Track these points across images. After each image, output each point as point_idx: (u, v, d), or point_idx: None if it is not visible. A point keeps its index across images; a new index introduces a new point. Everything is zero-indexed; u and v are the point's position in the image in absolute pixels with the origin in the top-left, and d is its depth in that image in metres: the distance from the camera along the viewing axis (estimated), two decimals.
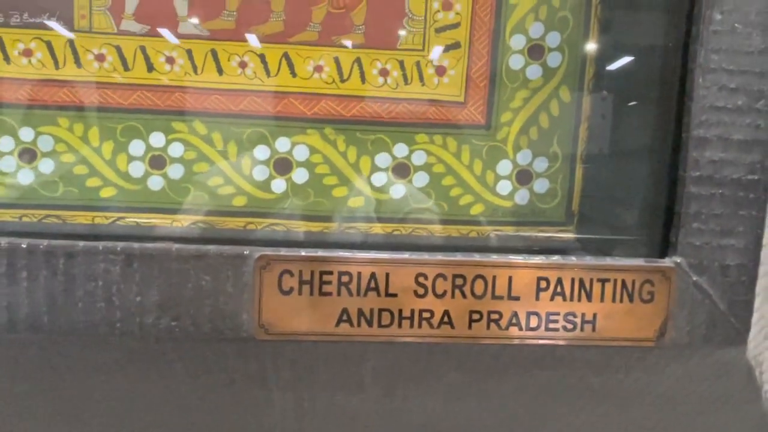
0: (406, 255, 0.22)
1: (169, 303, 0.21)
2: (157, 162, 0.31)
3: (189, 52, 0.30)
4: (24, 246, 0.24)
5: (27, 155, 0.30)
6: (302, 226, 0.32)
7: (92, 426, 0.28)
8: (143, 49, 0.30)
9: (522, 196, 0.33)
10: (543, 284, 0.23)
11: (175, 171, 0.31)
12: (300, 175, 0.32)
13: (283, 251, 0.22)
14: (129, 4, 0.30)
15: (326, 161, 0.32)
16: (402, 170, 0.32)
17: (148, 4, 0.30)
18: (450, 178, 0.32)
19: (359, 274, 0.22)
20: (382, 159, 0.32)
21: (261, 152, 0.31)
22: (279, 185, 0.32)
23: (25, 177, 0.30)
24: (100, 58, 0.30)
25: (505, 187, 0.32)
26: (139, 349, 0.25)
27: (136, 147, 0.31)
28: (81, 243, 0.22)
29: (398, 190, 0.32)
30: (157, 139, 0.30)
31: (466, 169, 0.32)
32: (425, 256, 0.22)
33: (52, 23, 0.29)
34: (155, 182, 0.31)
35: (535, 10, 0.31)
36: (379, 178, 0.32)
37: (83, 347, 0.26)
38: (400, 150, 0.32)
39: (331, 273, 0.22)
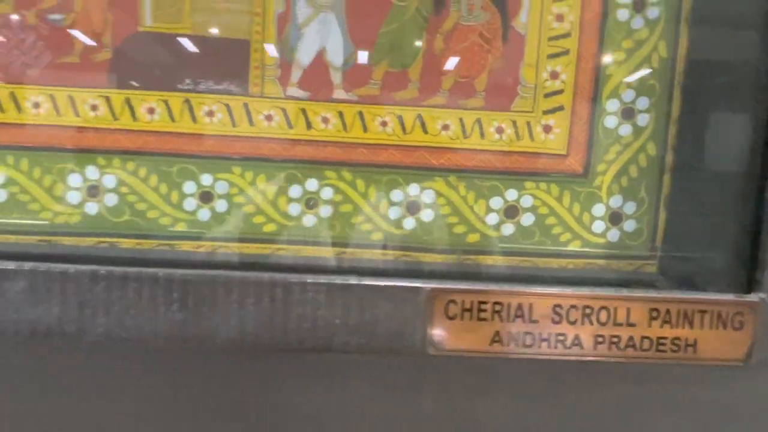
0: (546, 289, 0.28)
1: (361, 325, 0.27)
2: (312, 203, 0.37)
3: (341, 113, 0.36)
4: (254, 278, 0.30)
5: (206, 197, 0.37)
6: (428, 257, 0.37)
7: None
8: (304, 111, 0.36)
9: (613, 235, 0.38)
10: (654, 314, 0.28)
11: (325, 211, 0.37)
12: (427, 215, 0.37)
13: (448, 284, 0.28)
14: (294, 75, 0.36)
15: (449, 203, 0.37)
16: (512, 212, 0.38)
17: (310, 75, 0.36)
18: (552, 218, 0.38)
19: (509, 304, 0.27)
20: (496, 202, 0.37)
21: (396, 196, 0.37)
22: (409, 223, 0.37)
23: (203, 215, 0.37)
24: (269, 118, 0.36)
25: (599, 226, 0.38)
26: (332, 361, 0.31)
27: (295, 191, 0.37)
28: (294, 276, 0.28)
29: (508, 228, 0.38)
30: (312, 184, 0.37)
31: (567, 211, 0.38)
32: (562, 290, 0.28)
33: (232, 89, 0.36)
34: (309, 220, 0.37)
35: (627, 79, 0.37)
36: (493, 218, 0.38)
37: (290, 360, 0.31)
38: (511, 195, 0.38)
39: (486, 303, 0.27)
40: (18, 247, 0.35)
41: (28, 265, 0.27)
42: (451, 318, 0.27)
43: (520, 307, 0.27)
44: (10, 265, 0.27)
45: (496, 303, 0.27)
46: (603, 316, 0.27)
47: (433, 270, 0.36)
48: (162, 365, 0.31)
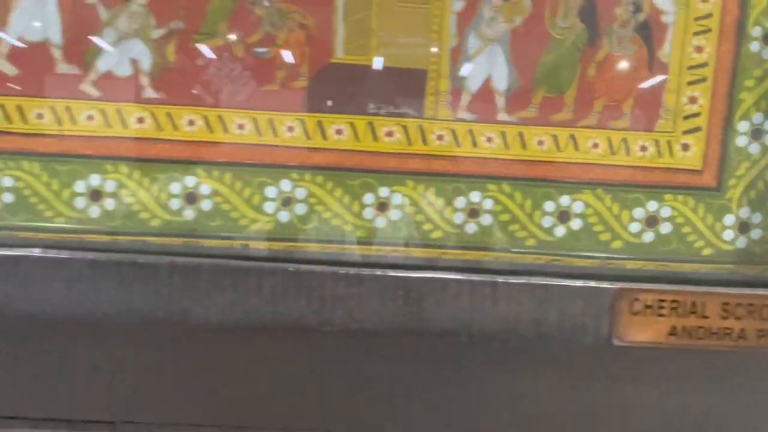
0: (715, 289, 0.32)
1: (560, 320, 0.32)
2: (475, 213, 0.41)
3: (503, 133, 0.41)
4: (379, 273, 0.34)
5: (382, 207, 0.41)
6: (577, 261, 0.42)
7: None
8: (471, 131, 0.41)
9: (741, 242, 0.42)
10: None
11: (486, 219, 0.42)
12: (576, 224, 0.42)
13: (631, 285, 0.32)
14: (463, 100, 0.41)
15: (596, 213, 0.42)
16: (652, 221, 0.42)
17: (477, 99, 0.41)
18: (688, 227, 0.42)
19: (683, 301, 0.32)
20: (638, 212, 0.42)
21: (549, 206, 0.42)
22: (560, 231, 0.42)
23: (379, 222, 0.42)
24: (440, 137, 0.41)
25: (728, 235, 0.42)
26: (519, 352, 0.36)
27: (460, 202, 0.41)
28: (500, 277, 0.32)
29: (648, 236, 0.42)
30: (475, 196, 0.41)
31: (701, 220, 0.42)
32: (728, 290, 0.32)
33: (409, 113, 0.41)
34: (470, 227, 0.42)
35: (757, 103, 0.41)
36: (635, 227, 0.42)
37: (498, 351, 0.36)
38: (652, 206, 0.42)
39: (664, 301, 0.32)
40: (222, 251, 0.40)
41: (270, 266, 0.32)
42: (634, 314, 0.32)
43: (695, 305, 0.32)
44: (261, 265, 0.32)
45: (672, 302, 0.32)
46: (765, 312, 0.32)
47: (584, 272, 0.40)
48: (387, 352, 0.36)
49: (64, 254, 0.33)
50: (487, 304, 0.32)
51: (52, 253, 0.33)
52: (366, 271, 0.31)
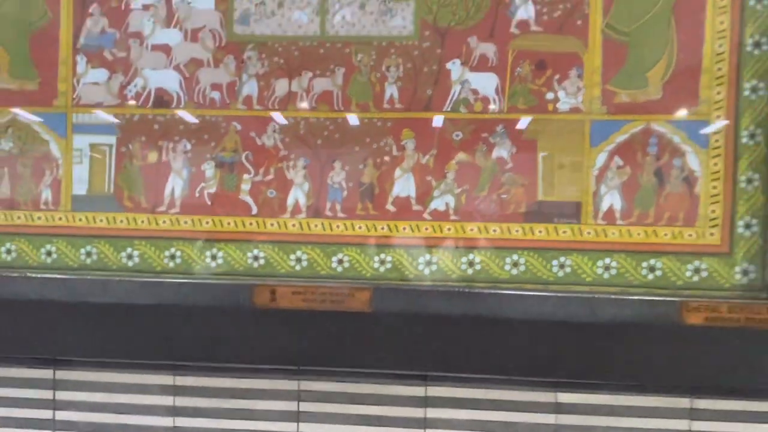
0: None
1: None
2: None
3: (628, 231, 0.86)
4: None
5: None
6: None
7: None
8: (605, 230, 0.86)
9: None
10: None
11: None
12: None
13: None
14: (600, 215, 0.86)
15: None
16: None
17: (606, 216, 0.86)
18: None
19: None
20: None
21: None
22: None
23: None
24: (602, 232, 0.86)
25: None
26: None
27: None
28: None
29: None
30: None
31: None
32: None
33: (572, 221, 0.86)
34: None
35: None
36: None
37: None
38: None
39: None
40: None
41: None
42: None
43: None
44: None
45: None
46: None
47: None
48: None
49: None
50: None
51: None
52: None
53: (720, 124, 0.85)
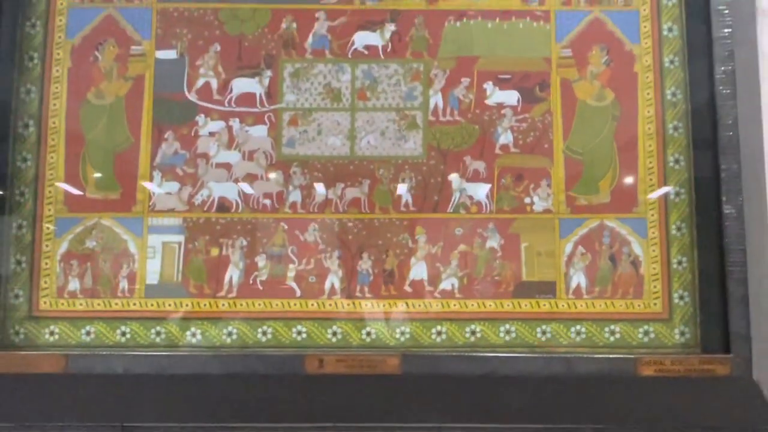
0: None
1: None
2: None
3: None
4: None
5: None
6: None
7: None
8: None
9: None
10: None
11: None
12: None
13: None
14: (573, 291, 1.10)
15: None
16: None
17: (574, 293, 1.10)
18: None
19: None
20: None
21: None
22: None
23: None
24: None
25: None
26: None
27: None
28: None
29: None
30: None
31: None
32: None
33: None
34: None
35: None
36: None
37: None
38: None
39: None
40: None
41: None
42: None
43: None
44: None
45: None
46: None
47: None
48: None
49: None
50: None
51: None
52: None
53: (654, 219, 1.13)
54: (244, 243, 1.12)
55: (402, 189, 1.13)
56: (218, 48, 1.16)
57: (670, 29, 1.17)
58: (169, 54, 1.16)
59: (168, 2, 1.17)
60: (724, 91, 1.08)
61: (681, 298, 1.11)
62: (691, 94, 1.14)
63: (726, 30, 1.09)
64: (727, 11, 1.10)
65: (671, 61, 1.16)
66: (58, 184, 1.13)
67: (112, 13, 1.17)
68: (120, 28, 1.16)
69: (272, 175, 1.13)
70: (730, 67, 1.08)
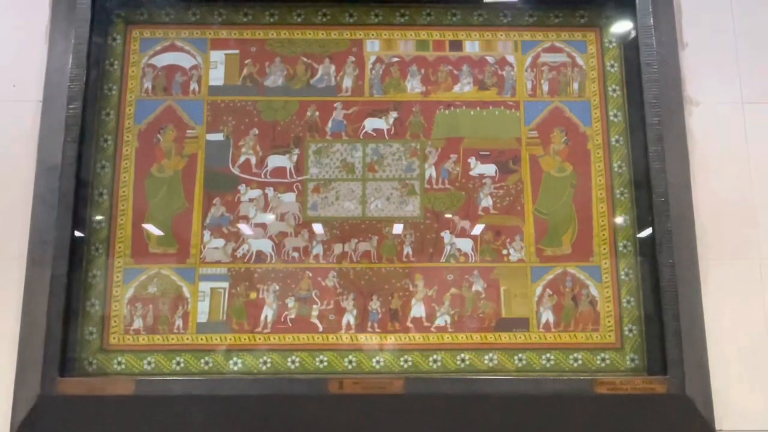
0: None
1: None
2: None
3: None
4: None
5: None
6: None
7: None
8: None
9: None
10: None
11: None
12: None
13: None
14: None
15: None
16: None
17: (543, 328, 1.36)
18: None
19: None
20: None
21: None
22: None
23: None
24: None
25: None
26: None
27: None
28: None
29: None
30: None
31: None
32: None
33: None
34: None
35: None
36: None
37: None
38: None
39: None
40: None
41: None
42: None
43: None
44: None
45: None
46: None
47: None
48: None
49: None
50: None
51: None
52: None
53: (606, 266, 1.39)
54: (277, 288, 1.38)
55: (404, 243, 1.41)
56: (257, 131, 1.45)
57: (615, 115, 1.47)
58: (217, 136, 1.45)
59: (217, 95, 1.47)
60: (656, 166, 1.36)
61: (630, 330, 1.37)
62: (633, 167, 1.43)
63: (656, 118, 1.38)
64: (656, 102, 1.40)
65: (617, 141, 1.45)
66: (126, 241, 1.40)
67: (172, 104, 1.46)
68: (178, 115, 1.46)
69: (300, 233, 1.41)
70: (660, 148, 1.37)
